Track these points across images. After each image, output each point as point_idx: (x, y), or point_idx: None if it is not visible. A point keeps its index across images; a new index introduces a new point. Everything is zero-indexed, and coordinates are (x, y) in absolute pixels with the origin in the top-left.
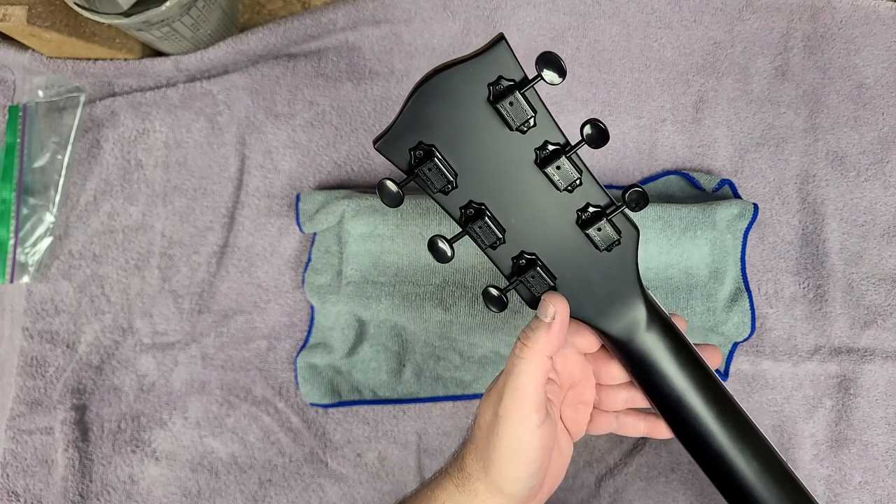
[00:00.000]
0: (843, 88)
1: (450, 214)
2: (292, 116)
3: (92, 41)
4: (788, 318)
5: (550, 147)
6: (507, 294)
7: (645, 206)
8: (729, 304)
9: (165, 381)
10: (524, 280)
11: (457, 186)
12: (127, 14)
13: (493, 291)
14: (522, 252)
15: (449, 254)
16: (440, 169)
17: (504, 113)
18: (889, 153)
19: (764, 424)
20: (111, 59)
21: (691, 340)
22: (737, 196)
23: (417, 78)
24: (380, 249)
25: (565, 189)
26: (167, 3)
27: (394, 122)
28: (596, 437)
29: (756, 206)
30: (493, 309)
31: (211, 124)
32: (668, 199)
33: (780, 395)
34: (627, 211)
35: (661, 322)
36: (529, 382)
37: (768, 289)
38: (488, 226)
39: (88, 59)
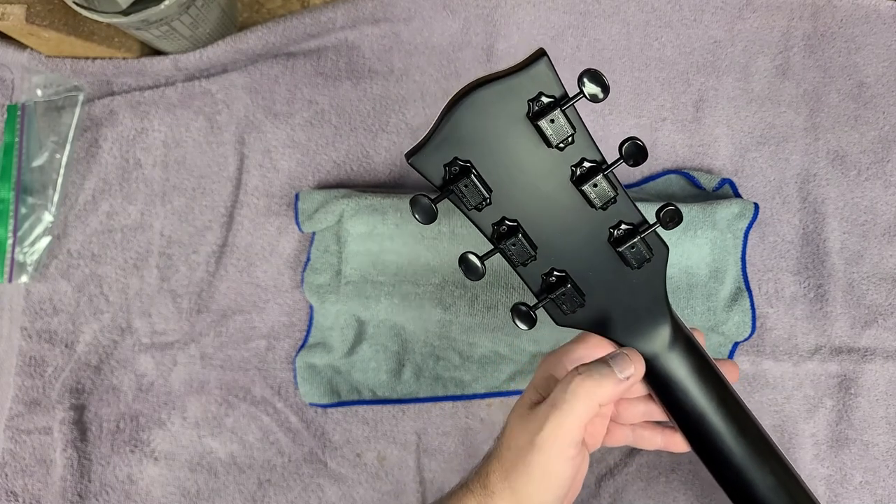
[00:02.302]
0: (844, 87)
1: (482, 231)
2: (291, 115)
3: (90, 40)
4: (789, 317)
5: (587, 164)
6: (536, 311)
7: (679, 224)
8: (729, 303)
9: (164, 381)
10: (554, 298)
11: (491, 203)
12: (125, 13)
13: (523, 308)
14: (553, 269)
15: (481, 270)
16: (476, 186)
17: (544, 130)
18: (889, 152)
19: (764, 424)
20: (110, 58)
21: None
22: (737, 195)
23: (417, 77)
24: (379, 249)
25: (600, 207)
26: (166, 2)
27: (429, 137)
28: None
29: (756, 206)
30: (522, 326)
31: (210, 123)
32: (668, 198)
33: (780, 394)
34: (660, 229)
35: (684, 340)
36: (576, 422)
37: (769, 288)
38: (522, 243)
39: (87, 58)
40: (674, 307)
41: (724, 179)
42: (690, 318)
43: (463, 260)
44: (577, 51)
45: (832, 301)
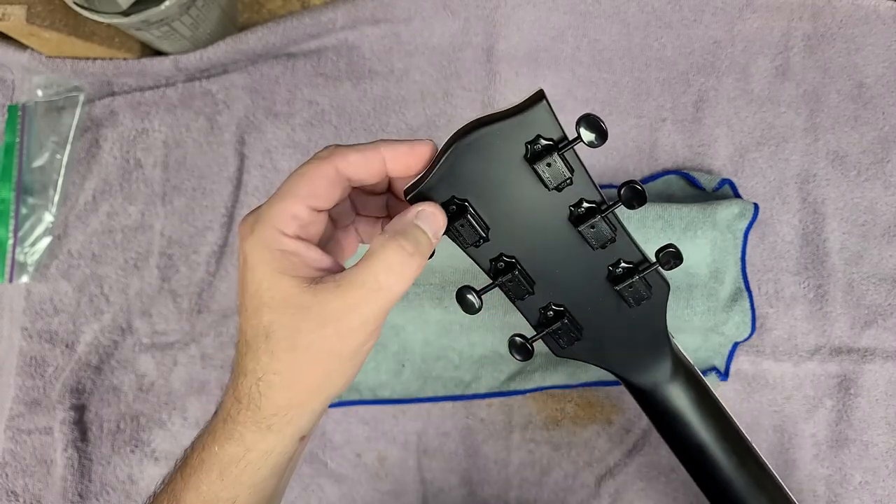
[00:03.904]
0: (844, 88)
1: (480, 266)
2: (291, 116)
3: (91, 40)
4: (789, 317)
5: (586, 205)
6: (533, 344)
7: (679, 265)
8: (729, 303)
9: (165, 381)
10: (551, 332)
11: (488, 240)
12: (126, 13)
13: (518, 340)
14: (551, 304)
15: (477, 306)
16: (473, 226)
17: (541, 173)
18: (889, 153)
19: (764, 425)
20: (110, 59)
21: (691, 341)
22: (737, 195)
23: (417, 77)
24: None
25: (599, 247)
26: (166, 3)
27: (427, 175)
28: (596, 437)
29: (756, 206)
30: (518, 358)
31: (210, 124)
32: (668, 198)
33: (780, 395)
34: (660, 268)
35: (685, 372)
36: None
37: (769, 288)
38: (518, 279)
39: (87, 59)
40: (674, 308)
41: (724, 180)
42: (690, 318)
43: (460, 296)
44: (577, 51)
45: (832, 301)
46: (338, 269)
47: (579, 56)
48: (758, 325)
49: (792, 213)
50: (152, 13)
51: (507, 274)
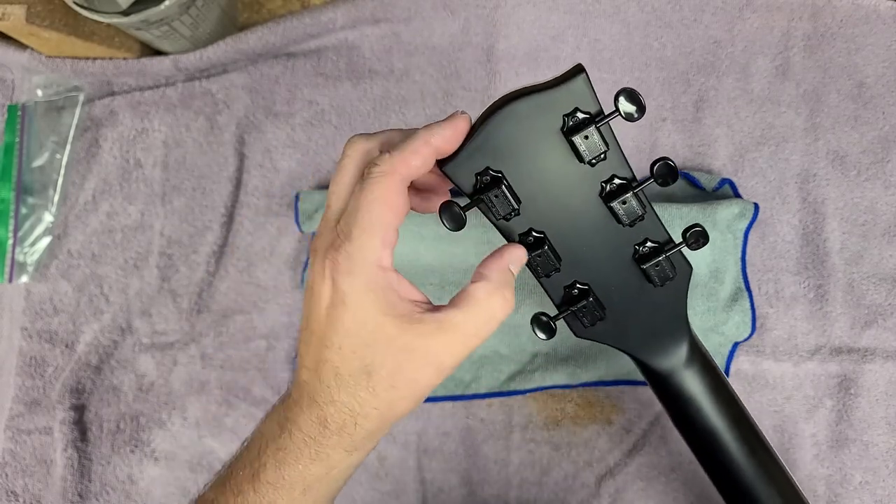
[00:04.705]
0: (844, 88)
1: (508, 241)
2: (291, 115)
3: (91, 40)
4: (789, 317)
5: (618, 181)
6: (556, 322)
7: (705, 245)
8: (729, 303)
9: (164, 381)
10: (575, 310)
11: (519, 214)
12: (126, 13)
13: (543, 318)
14: (576, 282)
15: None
16: (506, 197)
17: (578, 146)
18: (890, 152)
19: (764, 424)
20: (110, 59)
21: None
22: (737, 195)
23: (417, 77)
24: None
25: (628, 224)
26: (166, 2)
27: (462, 145)
28: (596, 437)
29: (756, 206)
30: (542, 336)
31: (210, 123)
32: (668, 198)
33: (780, 395)
34: (685, 249)
35: (701, 357)
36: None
37: (769, 288)
38: (548, 255)
39: (87, 59)
40: None
41: (724, 179)
42: (691, 318)
43: None
44: (577, 51)
45: (832, 301)
46: (424, 300)
47: (579, 56)
48: (758, 325)
49: (792, 212)
50: (152, 13)
51: (536, 249)
